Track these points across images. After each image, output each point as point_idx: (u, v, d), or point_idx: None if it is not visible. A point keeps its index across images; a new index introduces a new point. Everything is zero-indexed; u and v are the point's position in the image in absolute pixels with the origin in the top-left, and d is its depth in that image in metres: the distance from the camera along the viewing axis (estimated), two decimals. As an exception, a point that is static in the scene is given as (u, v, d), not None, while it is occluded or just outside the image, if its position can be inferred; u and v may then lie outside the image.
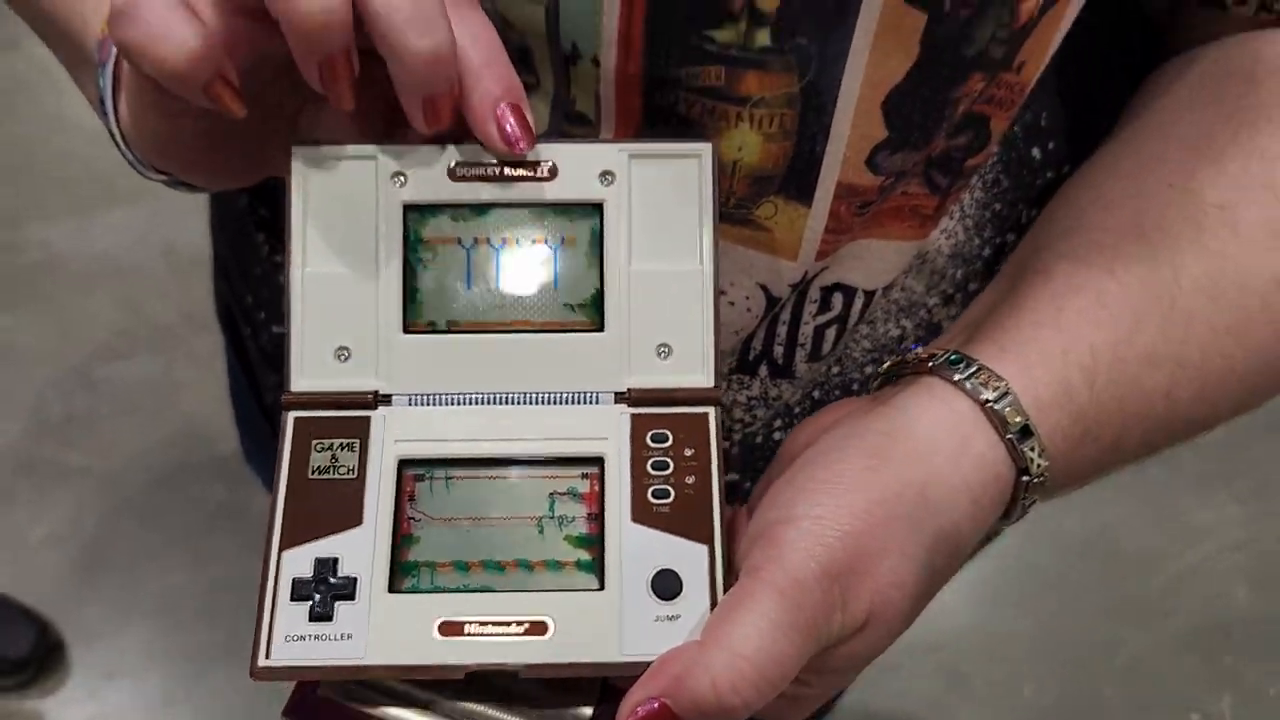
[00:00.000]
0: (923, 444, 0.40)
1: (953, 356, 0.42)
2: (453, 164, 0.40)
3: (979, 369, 0.41)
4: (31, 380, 1.93)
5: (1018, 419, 0.40)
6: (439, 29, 0.34)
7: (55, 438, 1.87)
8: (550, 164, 0.40)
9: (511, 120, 0.37)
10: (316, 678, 0.39)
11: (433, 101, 0.36)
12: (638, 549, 0.39)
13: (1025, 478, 0.41)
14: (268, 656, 0.38)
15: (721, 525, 0.38)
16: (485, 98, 0.36)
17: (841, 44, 0.39)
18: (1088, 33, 0.45)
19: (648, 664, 0.36)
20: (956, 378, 0.41)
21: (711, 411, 0.40)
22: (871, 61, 0.40)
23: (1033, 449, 0.40)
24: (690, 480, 0.39)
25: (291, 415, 0.41)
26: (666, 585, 0.38)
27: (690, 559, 0.38)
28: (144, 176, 0.45)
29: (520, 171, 0.40)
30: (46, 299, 2.07)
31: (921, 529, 0.39)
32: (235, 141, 0.41)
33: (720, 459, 0.39)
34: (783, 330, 0.51)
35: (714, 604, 0.37)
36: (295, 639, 0.38)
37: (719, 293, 0.41)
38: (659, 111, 0.43)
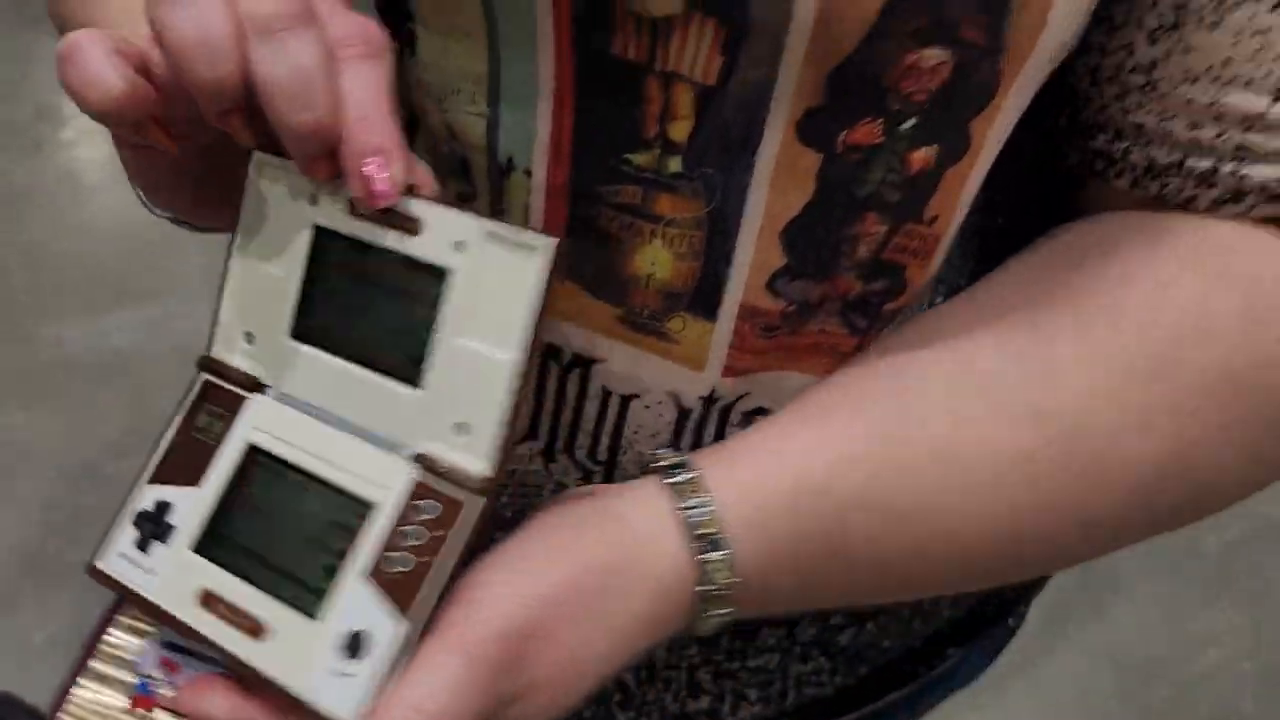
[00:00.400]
0: (625, 533, 0.42)
1: (676, 461, 0.44)
2: (352, 199, 0.42)
3: (693, 478, 0.43)
4: (41, 477, 1.94)
5: (709, 530, 0.42)
6: (315, 105, 0.36)
7: (62, 535, 1.87)
8: (417, 220, 0.41)
9: (374, 175, 0.38)
10: (119, 594, 0.45)
11: (312, 160, 0.39)
12: (354, 601, 0.40)
13: (707, 587, 0.42)
14: (100, 561, 0.46)
15: (430, 610, 0.39)
16: (354, 151, 0.38)
17: (744, 176, 0.42)
18: (1026, 192, 0.47)
19: (305, 704, 0.39)
20: (668, 480, 0.43)
21: (472, 501, 0.40)
22: (771, 194, 0.42)
23: (722, 563, 0.42)
24: (424, 559, 0.40)
25: (203, 376, 0.46)
26: (355, 645, 0.40)
27: (387, 631, 0.39)
28: (154, 214, 0.48)
29: (393, 221, 0.41)
30: (58, 396, 2.09)
31: (604, 609, 0.41)
32: (218, 183, 0.44)
33: (462, 549, 0.40)
34: None
35: (385, 680, 0.39)
36: (121, 557, 0.45)
37: (530, 393, 0.42)
38: (582, 222, 0.45)
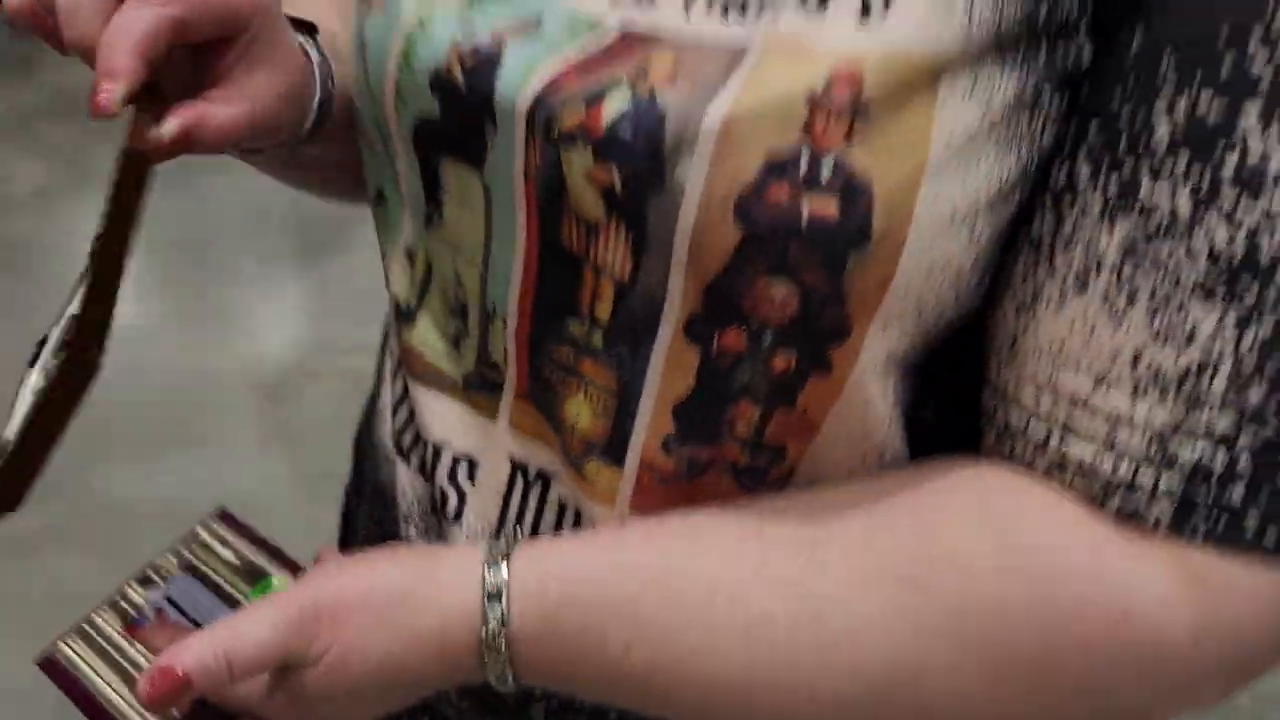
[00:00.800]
0: (433, 570, 0.51)
1: (511, 536, 0.55)
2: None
3: (506, 548, 0.51)
4: (89, 624, 1.97)
5: (495, 587, 0.50)
6: (77, 26, 0.46)
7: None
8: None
9: (98, 88, 0.45)
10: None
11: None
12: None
13: (485, 634, 0.50)
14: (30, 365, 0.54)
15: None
16: (97, 68, 0.46)
17: (645, 360, 0.50)
18: (957, 391, 0.52)
19: None
20: (490, 546, 0.52)
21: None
22: (663, 379, 0.50)
23: (498, 616, 0.49)
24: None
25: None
26: None
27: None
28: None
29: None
30: (106, 542, 2.13)
31: (392, 616, 0.50)
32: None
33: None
34: None
35: None
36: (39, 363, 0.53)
37: None
38: (537, 368, 0.54)
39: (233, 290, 3.01)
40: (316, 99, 0.57)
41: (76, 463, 2.29)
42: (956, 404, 0.52)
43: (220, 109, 0.49)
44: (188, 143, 0.48)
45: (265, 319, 2.91)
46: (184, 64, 0.50)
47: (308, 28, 0.59)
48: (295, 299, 3.01)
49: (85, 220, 3.06)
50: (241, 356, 2.72)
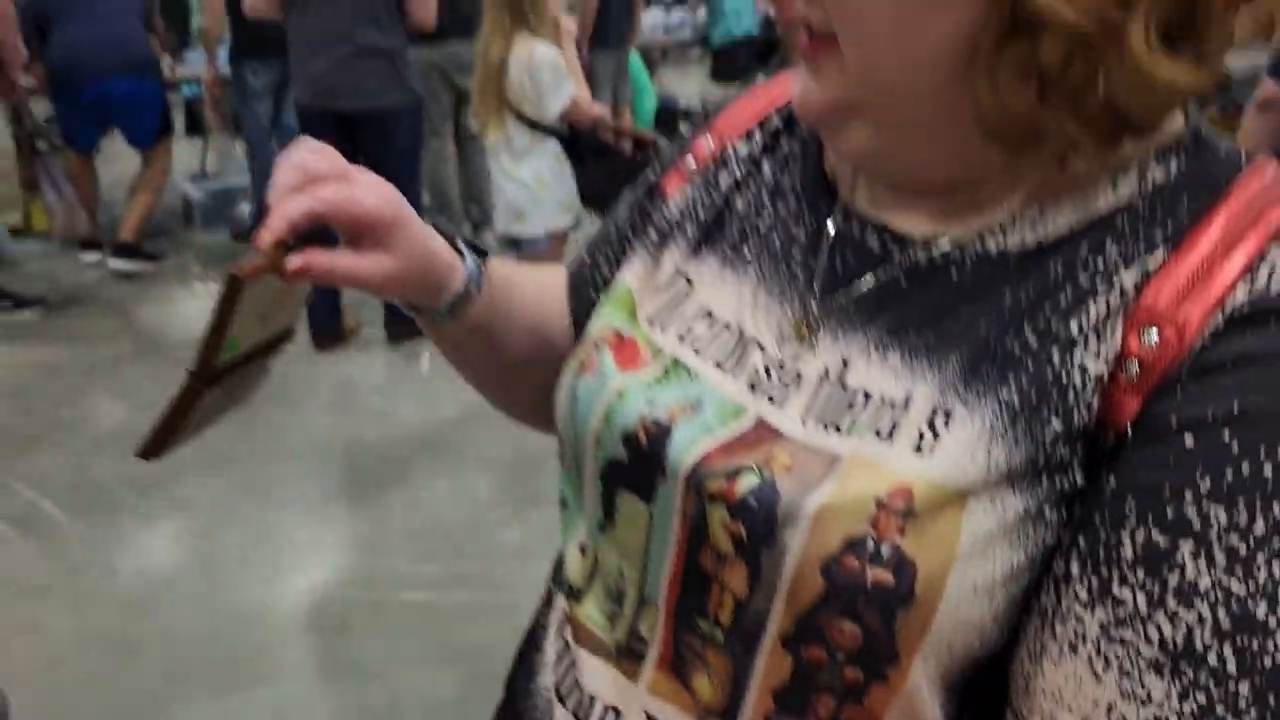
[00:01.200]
0: None
1: None
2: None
3: None
4: None
5: None
6: (270, 198, 0.69)
7: None
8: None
9: (257, 234, 0.67)
10: None
11: None
12: None
13: None
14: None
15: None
16: (264, 224, 0.68)
17: (752, 657, 0.66)
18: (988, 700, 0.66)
19: None
20: None
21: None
22: (764, 673, 0.65)
23: None
24: None
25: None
26: None
27: None
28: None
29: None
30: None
31: None
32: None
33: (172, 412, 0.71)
34: None
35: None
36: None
37: None
38: (676, 647, 0.70)
39: (295, 523, 3.13)
40: (455, 291, 0.78)
41: (157, 700, 2.39)
42: (989, 713, 0.67)
43: (331, 261, 0.71)
44: (306, 272, 0.69)
45: (327, 553, 3.01)
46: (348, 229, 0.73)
47: (479, 252, 0.81)
48: (356, 533, 3.11)
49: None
50: (304, 590, 2.82)
